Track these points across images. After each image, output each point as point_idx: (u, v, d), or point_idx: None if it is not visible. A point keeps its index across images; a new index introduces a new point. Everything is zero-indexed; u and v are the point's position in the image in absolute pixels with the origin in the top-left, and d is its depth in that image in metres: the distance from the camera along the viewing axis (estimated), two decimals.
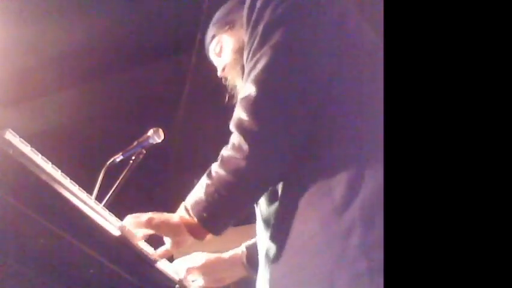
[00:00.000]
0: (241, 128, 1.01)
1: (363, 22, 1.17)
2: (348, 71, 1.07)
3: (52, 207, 0.87)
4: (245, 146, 0.99)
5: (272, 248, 1.04)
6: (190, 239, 1.08)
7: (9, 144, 0.79)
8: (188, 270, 1.33)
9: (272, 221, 1.06)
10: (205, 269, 1.36)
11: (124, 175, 1.66)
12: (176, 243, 1.10)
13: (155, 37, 3.52)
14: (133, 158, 1.69)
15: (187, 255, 1.37)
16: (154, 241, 1.14)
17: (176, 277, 1.23)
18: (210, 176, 1.04)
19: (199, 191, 1.05)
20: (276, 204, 1.06)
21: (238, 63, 1.26)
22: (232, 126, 1.03)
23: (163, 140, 1.70)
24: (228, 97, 1.37)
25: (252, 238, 1.38)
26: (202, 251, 1.39)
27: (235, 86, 1.33)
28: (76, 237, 0.92)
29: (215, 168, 1.04)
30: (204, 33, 1.43)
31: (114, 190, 1.62)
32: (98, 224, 0.95)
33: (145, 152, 1.70)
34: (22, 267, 0.94)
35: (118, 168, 1.68)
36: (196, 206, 1.04)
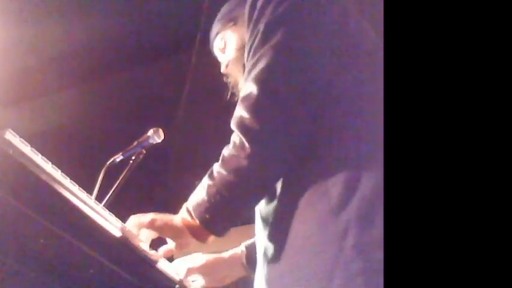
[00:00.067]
0: (242, 126, 1.01)
1: (363, 22, 1.17)
2: (348, 71, 1.07)
3: (52, 207, 0.87)
4: (246, 145, 0.99)
5: (270, 247, 1.05)
6: (193, 241, 1.08)
7: (9, 144, 0.79)
8: (189, 271, 1.33)
9: (270, 220, 1.07)
10: (206, 269, 1.36)
11: (124, 175, 1.66)
12: (179, 245, 1.10)
13: (155, 37, 3.53)
14: (133, 158, 1.69)
15: (187, 256, 1.37)
16: (155, 241, 1.14)
17: (177, 277, 1.23)
18: (211, 176, 1.04)
19: (201, 192, 1.04)
20: (275, 203, 1.06)
21: (241, 61, 1.26)
22: (233, 125, 1.03)
23: (163, 140, 1.70)
24: (229, 94, 1.37)
25: (252, 238, 1.38)
26: (202, 251, 1.39)
27: (237, 84, 1.34)
28: (76, 237, 0.92)
29: (217, 168, 1.04)
30: (203, 33, 1.44)
31: (114, 190, 1.62)
32: (99, 224, 0.95)
33: (145, 152, 1.70)
34: (22, 267, 0.94)
35: (118, 168, 1.68)
36: (198, 208, 1.04)
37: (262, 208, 1.10)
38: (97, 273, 1.01)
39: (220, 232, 1.05)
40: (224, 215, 1.04)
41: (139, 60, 3.69)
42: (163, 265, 1.15)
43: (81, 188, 0.93)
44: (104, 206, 1.10)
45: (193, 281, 1.36)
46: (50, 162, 0.86)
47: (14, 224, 0.86)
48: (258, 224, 1.12)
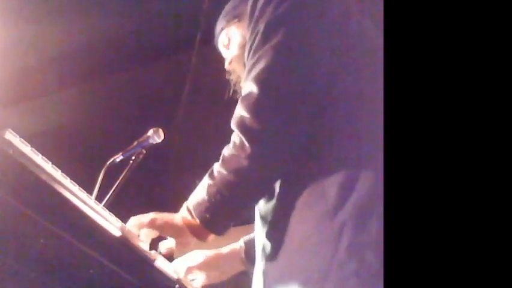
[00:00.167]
0: (243, 126, 1.01)
1: (364, 21, 1.17)
2: (348, 71, 1.07)
3: (52, 207, 0.87)
4: (246, 145, 0.99)
5: (268, 245, 1.05)
6: (193, 240, 1.08)
7: (9, 144, 0.79)
8: (189, 269, 1.33)
9: (269, 219, 1.07)
10: (206, 267, 1.37)
11: (124, 175, 1.66)
12: (180, 244, 1.11)
13: (155, 37, 3.53)
14: (133, 158, 1.69)
15: (186, 254, 1.37)
16: (156, 241, 1.14)
17: (176, 277, 1.23)
18: (211, 176, 1.04)
19: (201, 192, 1.05)
20: (274, 202, 1.06)
21: (244, 58, 1.26)
22: (233, 125, 1.04)
23: (163, 140, 1.70)
24: (231, 92, 1.37)
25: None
26: (201, 250, 1.39)
27: (239, 81, 1.34)
28: (76, 237, 0.92)
29: (217, 168, 1.04)
30: (203, 33, 1.44)
31: (114, 190, 1.62)
32: (99, 224, 0.95)
33: (145, 152, 1.70)
34: (22, 267, 0.94)
35: (118, 168, 1.68)
36: (198, 207, 1.04)
37: (262, 206, 1.10)
38: (97, 273, 1.01)
39: (220, 231, 1.06)
40: (224, 214, 1.04)
41: (139, 60, 3.69)
42: (162, 264, 1.15)
43: (81, 188, 0.93)
44: (104, 206, 1.10)
45: (192, 280, 1.36)
46: (50, 162, 0.86)
47: (14, 224, 0.85)
48: (257, 221, 1.13)
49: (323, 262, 0.92)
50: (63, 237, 0.90)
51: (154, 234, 1.12)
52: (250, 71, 1.05)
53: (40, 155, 0.84)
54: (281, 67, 1.03)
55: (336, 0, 1.14)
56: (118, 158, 1.68)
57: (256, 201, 1.10)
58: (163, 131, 1.70)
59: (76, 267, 1.01)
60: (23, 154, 0.81)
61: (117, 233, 1.00)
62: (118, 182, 1.64)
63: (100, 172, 1.65)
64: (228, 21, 1.37)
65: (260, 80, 1.01)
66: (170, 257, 1.18)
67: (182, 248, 1.11)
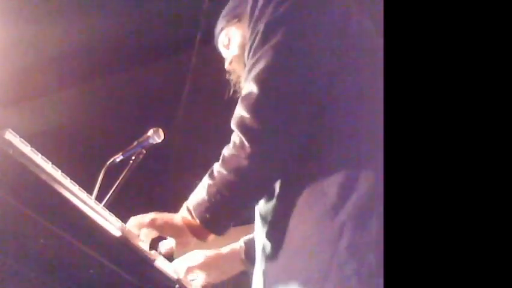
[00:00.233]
0: (243, 126, 1.01)
1: (364, 21, 1.17)
2: (348, 71, 1.07)
3: (52, 207, 0.87)
4: (246, 145, 0.99)
5: (268, 245, 1.05)
6: (193, 240, 1.09)
7: (9, 144, 0.79)
8: (189, 269, 1.33)
9: (269, 219, 1.07)
10: (206, 267, 1.37)
11: (124, 175, 1.66)
12: (180, 244, 1.11)
13: (155, 37, 3.52)
14: (133, 158, 1.69)
15: (186, 254, 1.37)
16: (155, 241, 1.14)
17: (176, 277, 1.23)
18: (212, 176, 1.04)
19: (201, 192, 1.05)
20: (274, 201, 1.06)
21: (243, 58, 1.26)
22: (233, 125, 1.04)
23: (163, 140, 1.70)
24: (231, 91, 1.37)
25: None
26: (201, 250, 1.39)
27: (239, 81, 1.34)
28: (76, 237, 0.92)
29: (217, 168, 1.04)
30: (203, 33, 1.43)
31: (114, 190, 1.62)
32: (99, 224, 0.95)
33: (145, 152, 1.70)
34: (22, 267, 0.94)
35: (118, 168, 1.68)
36: (198, 207, 1.04)
37: (262, 206, 1.10)
38: (97, 273, 1.01)
39: (220, 231, 1.06)
40: (224, 214, 1.05)
41: (139, 60, 3.69)
42: (162, 265, 1.15)
43: (81, 188, 0.93)
44: (104, 206, 1.10)
45: (192, 280, 1.36)
46: (50, 162, 0.86)
47: (14, 224, 0.85)
48: (257, 221, 1.13)
49: (323, 262, 0.92)
50: (63, 237, 0.90)
51: (154, 234, 1.12)
52: (250, 71, 1.05)
53: (40, 155, 0.84)
54: (281, 67, 1.03)
55: (336, 0, 1.14)
56: (118, 158, 1.68)
57: (256, 201, 1.10)
58: (163, 131, 1.70)
59: (76, 267, 1.01)
60: (23, 154, 0.81)
61: (117, 233, 1.00)
62: (118, 182, 1.64)
63: (100, 172, 1.65)
64: (228, 21, 1.37)
65: (260, 80, 1.01)
66: (170, 257, 1.18)
67: (182, 248, 1.12)
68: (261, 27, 1.06)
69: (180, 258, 1.36)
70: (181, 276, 1.26)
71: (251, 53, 1.06)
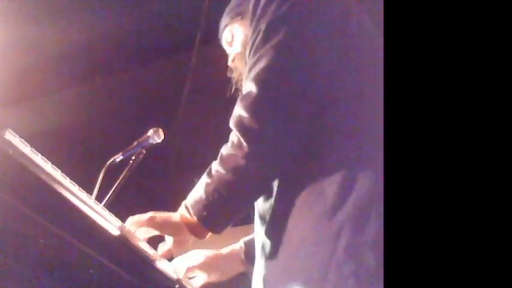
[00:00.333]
0: (241, 126, 1.01)
1: (364, 21, 1.17)
2: (348, 71, 1.07)
3: (52, 207, 0.87)
4: (244, 144, 0.99)
5: (267, 244, 1.06)
6: (191, 238, 1.09)
7: (9, 144, 0.79)
8: (188, 269, 1.33)
9: (268, 218, 1.07)
10: (205, 267, 1.36)
11: (124, 175, 1.66)
12: (177, 243, 1.11)
13: (155, 37, 3.52)
14: (133, 158, 1.69)
15: (186, 254, 1.37)
16: (155, 241, 1.14)
17: (176, 277, 1.23)
18: (209, 174, 1.04)
19: (199, 190, 1.05)
20: (272, 201, 1.06)
21: (245, 56, 1.26)
22: (231, 124, 1.04)
23: (163, 140, 1.70)
24: (233, 89, 1.37)
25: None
26: (201, 250, 1.39)
27: (241, 79, 1.34)
28: (76, 237, 0.92)
29: (215, 166, 1.04)
30: (203, 33, 1.43)
31: (114, 190, 1.62)
32: (98, 224, 0.95)
33: (145, 152, 1.70)
34: (22, 267, 0.94)
35: (118, 168, 1.68)
36: (196, 205, 1.05)
37: (261, 205, 1.10)
38: (97, 273, 1.01)
39: (217, 229, 1.06)
40: (221, 213, 1.05)
41: (139, 60, 3.69)
42: (162, 264, 1.15)
43: (81, 188, 0.93)
44: (104, 206, 1.10)
45: (190, 278, 1.36)
46: (50, 162, 0.86)
47: (14, 224, 0.85)
48: (257, 220, 1.13)
49: (322, 262, 0.92)
50: (63, 237, 0.90)
51: (152, 232, 1.12)
52: (250, 70, 1.05)
53: (40, 155, 0.84)
54: (281, 67, 1.03)
55: (336, 0, 1.14)
56: (118, 158, 1.68)
57: (254, 200, 1.10)
58: (163, 131, 1.70)
59: (76, 267, 1.01)
60: (23, 154, 0.81)
61: (116, 232, 1.00)
62: (118, 182, 1.64)
63: (100, 172, 1.65)
64: (232, 19, 1.37)
65: (260, 80, 1.01)
66: (169, 258, 1.18)
67: (181, 246, 1.11)
68: (262, 26, 1.06)
69: (179, 258, 1.36)
70: (181, 276, 1.26)
71: (252, 52, 1.07)
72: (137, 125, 1.89)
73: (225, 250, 1.43)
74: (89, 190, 1.00)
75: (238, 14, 1.35)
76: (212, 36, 1.45)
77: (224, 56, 1.44)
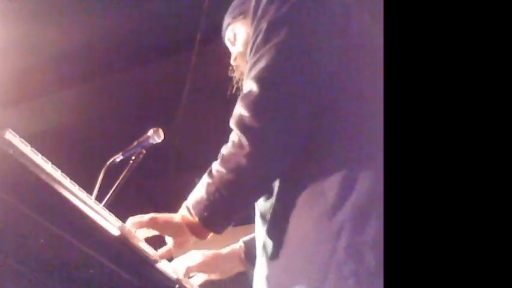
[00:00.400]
0: (242, 125, 1.01)
1: (365, 21, 1.17)
2: (348, 71, 1.07)
3: (52, 207, 0.87)
4: (245, 143, 0.99)
5: (269, 244, 1.06)
6: (192, 239, 1.09)
7: (9, 144, 0.79)
8: (188, 269, 1.33)
9: (269, 217, 1.07)
10: (205, 267, 1.37)
11: (124, 175, 1.66)
12: (178, 244, 1.11)
13: (155, 37, 3.52)
14: (133, 158, 1.69)
15: (186, 254, 1.37)
16: (155, 241, 1.14)
17: (176, 276, 1.23)
18: (210, 174, 1.04)
19: (200, 190, 1.05)
20: (273, 201, 1.06)
21: (246, 56, 1.27)
22: (232, 124, 1.04)
23: (163, 140, 1.70)
24: (234, 88, 1.37)
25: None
26: (201, 250, 1.39)
27: (242, 78, 1.34)
28: (76, 237, 0.92)
29: (216, 166, 1.04)
30: (203, 33, 1.44)
31: (114, 190, 1.62)
32: (98, 224, 0.95)
33: (145, 152, 1.70)
34: (22, 267, 0.94)
35: (118, 168, 1.68)
36: (197, 206, 1.04)
37: (261, 205, 1.10)
38: (97, 273, 1.01)
39: (218, 230, 1.06)
40: (223, 213, 1.04)
41: (139, 60, 3.69)
42: (162, 265, 1.15)
43: (81, 188, 0.93)
44: (104, 206, 1.10)
45: (190, 278, 1.36)
46: (50, 162, 0.86)
47: (14, 224, 0.85)
48: (258, 220, 1.13)
49: (322, 262, 0.92)
50: (63, 237, 0.90)
51: (153, 233, 1.12)
52: (251, 69, 1.05)
53: (40, 155, 0.84)
54: (282, 67, 1.03)
55: (336, 0, 1.14)
56: (118, 158, 1.68)
57: (255, 200, 1.10)
58: (163, 131, 1.70)
59: (76, 267, 1.01)
60: (23, 154, 0.81)
61: (117, 232, 1.00)
62: (118, 182, 1.64)
63: (100, 172, 1.65)
64: (234, 18, 1.37)
65: (260, 79, 1.01)
66: (169, 258, 1.18)
67: (181, 247, 1.11)
68: (263, 25, 1.06)
69: (179, 258, 1.36)
70: (181, 276, 1.26)
71: (253, 52, 1.07)
72: (137, 125, 1.89)
73: (224, 250, 1.43)
74: (89, 190, 1.00)
75: (241, 13, 1.35)
76: (212, 36, 1.45)
77: (224, 55, 1.44)
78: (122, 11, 3.32)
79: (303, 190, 1.00)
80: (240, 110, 1.02)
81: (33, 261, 0.95)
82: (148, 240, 1.14)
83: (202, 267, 1.36)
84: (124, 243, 1.02)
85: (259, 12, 1.09)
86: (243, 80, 1.34)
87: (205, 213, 1.03)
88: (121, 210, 1.15)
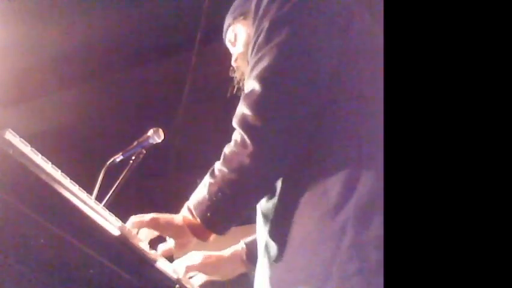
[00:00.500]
0: (244, 124, 1.01)
1: (365, 21, 1.17)
2: (349, 71, 1.08)
3: (52, 207, 0.87)
4: (248, 143, 0.99)
5: (271, 243, 1.05)
6: (194, 240, 1.08)
7: (9, 144, 0.79)
8: (188, 269, 1.33)
9: (271, 217, 1.07)
10: (206, 268, 1.36)
11: (124, 175, 1.66)
12: (179, 245, 1.10)
13: (155, 37, 3.53)
14: (133, 158, 1.69)
15: (186, 255, 1.37)
16: (155, 241, 1.14)
17: (176, 276, 1.23)
18: (213, 174, 1.04)
19: (202, 191, 1.05)
20: (275, 200, 1.06)
21: (247, 56, 1.26)
22: (235, 123, 1.03)
23: (163, 140, 1.70)
24: (235, 89, 1.37)
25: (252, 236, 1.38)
26: (201, 250, 1.39)
27: (243, 78, 1.34)
28: (76, 237, 0.92)
29: (218, 166, 1.04)
30: (203, 33, 1.44)
31: (114, 190, 1.62)
32: (98, 224, 0.95)
33: (145, 152, 1.70)
34: (22, 267, 0.94)
35: (118, 168, 1.68)
36: (199, 206, 1.04)
37: (263, 205, 1.10)
38: (97, 273, 1.01)
39: (221, 230, 1.05)
40: (225, 213, 1.04)
41: (139, 60, 3.69)
42: (162, 264, 1.15)
43: (81, 188, 0.92)
44: (104, 206, 1.10)
45: (190, 277, 1.36)
46: (50, 162, 0.86)
47: (14, 224, 0.85)
48: (259, 220, 1.13)
49: (325, 261, 0.92)
50: (63, 237, 0.90)
51: (153, 234, 1.12)
52: (252, 69, 1.05)
53: (40, 155, 0.84)
54: (283, 66, 1.03)
55: (337, 0, 1.14)
56: (118, 158, 1.68)
57: (258, 200, 1.10)
58: (163, 131, 1.70)
59: (76, 267, 1.01)
60: (23, 154, 0.80)
61: (117, 232, 1.00)
62: (118, 182, 1.64)
63: (100, 172, 1.65)
64: (235, 18, 1.37)
65: (262, 78, 1.01)
66: (170, 258, 1.18)
67: (182, 248, 1.11)
68: (265, 25, 1.06)
69: (180, 258, 1.36)
70: (181, 276, 1.26)
71: (254, 51, 1.07)
72: (137, 125, 1.89)
73: (225, 252, 1.42)
74: (89, 190, 1.00)
75: (241, 14, 1.35)
76: (212, 36, 1.45)
77: (224, 55, 1.44)
78: (122, 11, 3.32)
79: (305, 190, 1.00)
80: (242, 109, 1.02)
81: (33, 261, 0.95)
82: (149, 241, 1.14)
83: (202, 267, 1.36)
84: (124, 243, 1.02)
85: (261, 12, 1.09)
86: (243, 80, 1.34)
87: (208, 214, 1.03)
88: (121, 210, 1.15)
